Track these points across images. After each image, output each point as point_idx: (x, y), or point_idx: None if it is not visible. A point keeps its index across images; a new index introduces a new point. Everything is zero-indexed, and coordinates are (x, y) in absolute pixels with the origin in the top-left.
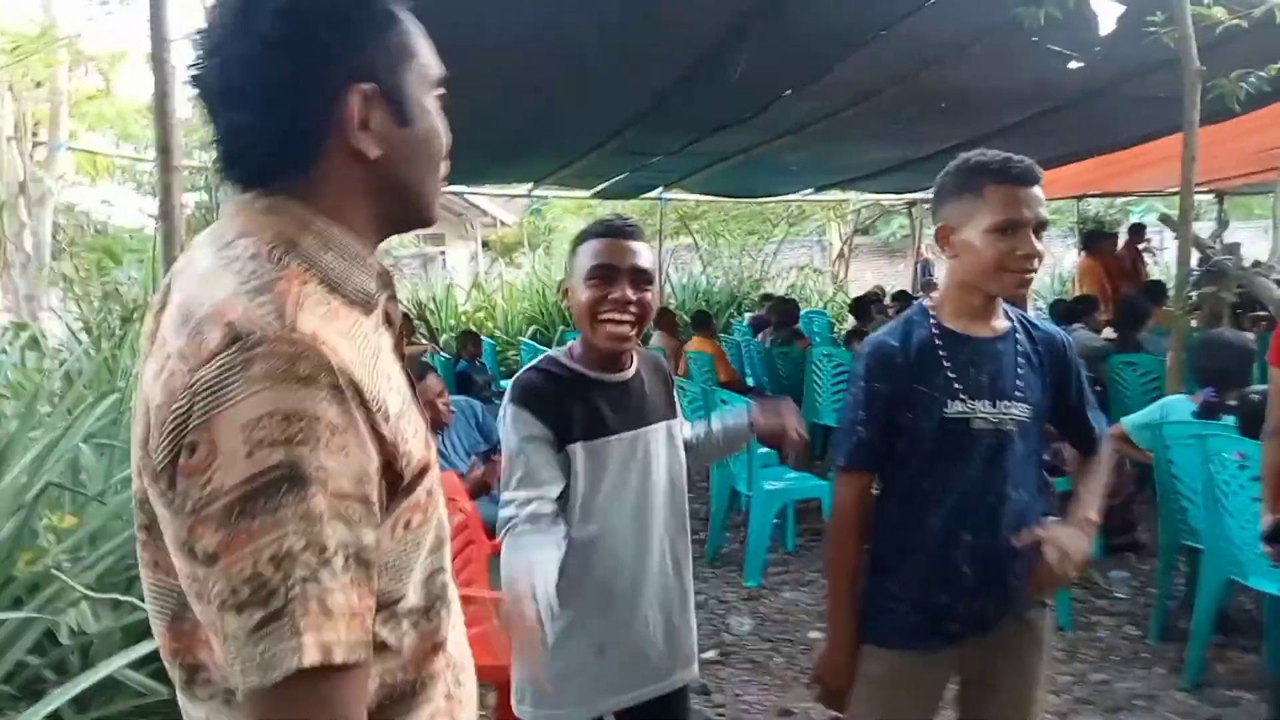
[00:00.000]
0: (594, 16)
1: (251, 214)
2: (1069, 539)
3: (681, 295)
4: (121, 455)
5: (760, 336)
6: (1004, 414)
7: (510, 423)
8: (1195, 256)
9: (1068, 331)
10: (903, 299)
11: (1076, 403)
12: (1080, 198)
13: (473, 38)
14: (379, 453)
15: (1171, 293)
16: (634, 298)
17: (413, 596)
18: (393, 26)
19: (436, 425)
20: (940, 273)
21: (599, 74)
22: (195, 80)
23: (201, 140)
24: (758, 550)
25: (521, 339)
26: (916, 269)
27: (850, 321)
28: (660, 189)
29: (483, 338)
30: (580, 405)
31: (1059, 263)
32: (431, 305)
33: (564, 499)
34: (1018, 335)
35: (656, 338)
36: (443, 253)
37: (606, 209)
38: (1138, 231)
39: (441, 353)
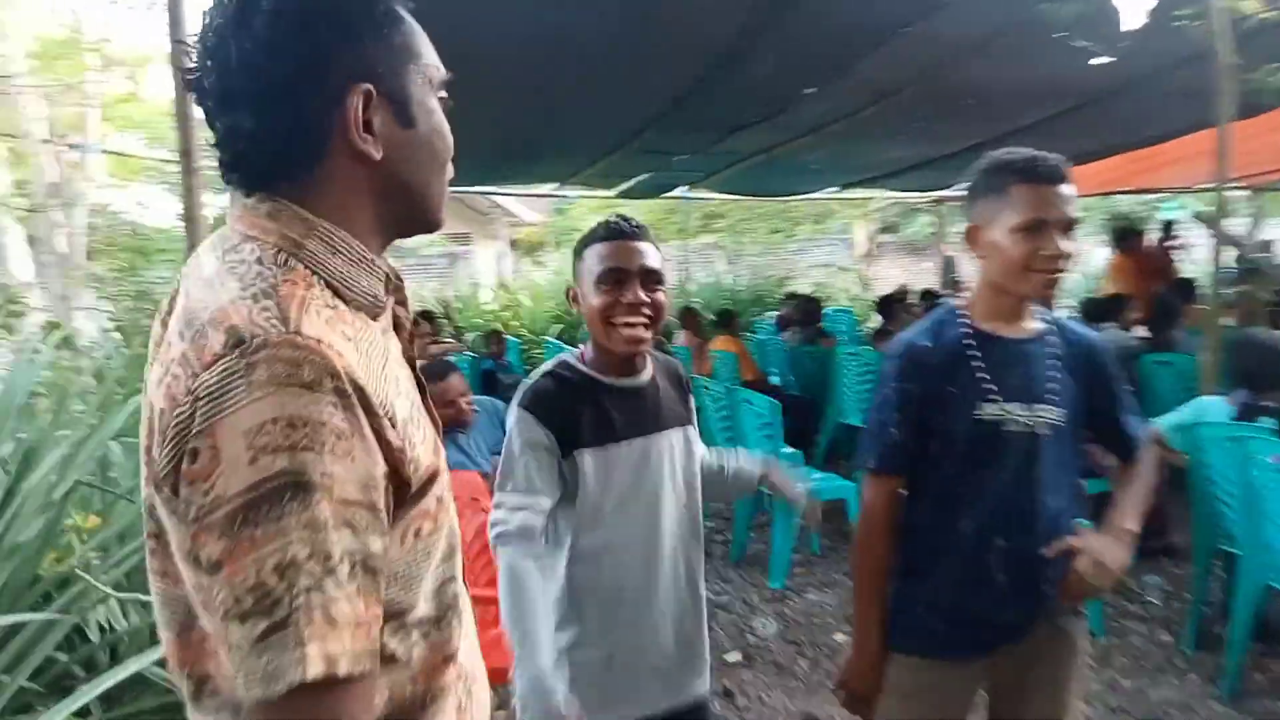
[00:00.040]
0: (614, 16)
1: (256, 218)
2: (1104, 548)
3: (706, 294)
4: None
5: (785, 335)
6: (1037, 417)
7: (515, 426)
8: (1230, 254)
9: (1098, 330)
10: (929, 298)
11: (1113, 407)
12: (1109, 195)
13: (494, 39)
14: (385, 459)
15: (1205, 291)
16: (646, 299)
17: (423, 606)
18: (395, 27)
19: (460, 425)
20: (964, 270)
21: (620, 74)
22: (194, 84)
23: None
24: (782, 551)
25: (546, 338)
26: (942, 266)
27: (876, 320)
28: (683, 188)
29: (508, 337)
30: (591, 411)
31: (1088, 261)
32: (457, 304)
33: (571, 506)
34: (1051, 337)
35: (681, 336)
36: (469, 252)
37: (630, 208)
38: (1168, 229)
39: (467, 352)
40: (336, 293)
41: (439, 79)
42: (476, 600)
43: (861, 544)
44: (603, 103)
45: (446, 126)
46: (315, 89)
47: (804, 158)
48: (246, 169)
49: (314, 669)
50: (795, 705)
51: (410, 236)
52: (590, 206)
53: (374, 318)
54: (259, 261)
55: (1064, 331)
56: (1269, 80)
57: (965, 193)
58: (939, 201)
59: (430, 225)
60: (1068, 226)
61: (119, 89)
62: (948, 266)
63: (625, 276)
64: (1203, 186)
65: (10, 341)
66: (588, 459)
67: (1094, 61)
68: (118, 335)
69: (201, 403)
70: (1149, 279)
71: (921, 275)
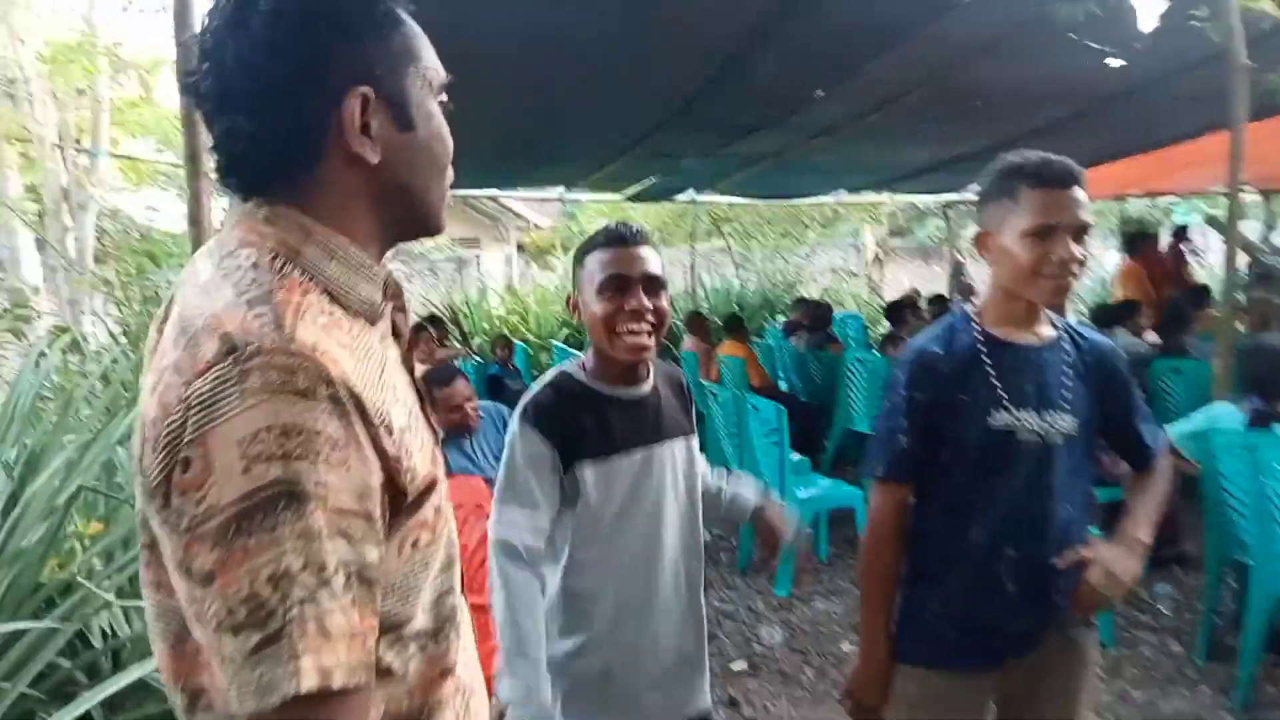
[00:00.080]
0: (622, 18)
1: (253, 223)
2: (1116, 559)
3: (714, 298)
4: None
5: (793, 340)
6: (1050, 425)
7: (516, 440)
8: (1243, 259)
9: (1109, 335)
10: (939, 303)
11: (1127, 415)
12: (1121, 198)
13: (503, 42)
14: (381, 468)
15: (1218, 296)
16: (650, 306)
17: (421, 619)
18: (394, 29)
19: (465, 430)
20: (974, 274)
21: (628, 76)
22: (190, 86)
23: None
24: (789, 559)
25: (554, 342)
26: (951, 271)
27: (885, 325)
28: (691, 192)
29: (515, 341)
30: (592, 422)
31: (1099, 265)
32: (465, 308)
33: (570, 516)
34: (1064, 344)
35: (688, 341)
36: (477, 256)
37: (639, 212)
38: (1181, 233)
39: (474, 356)
40: (334, 299)
41: (439, 82)
42: (480, 609)
43: (869, 552)
44: (611, 105)
45: (446, 130)
46: (313, 91)
47: (813, 161)
48: (243, 173)
49: (308, 681)
50: (801, 714)
51: (410, 241)
52: (599, 210)
53: (372, 324)
54: (255, 267)
55: (1077, 338)
56: None
57: (977, 197)
58: (949, 205)
59: (430, 230)
60: (1079, 231)
61: (130, 94)
62: (957, 271)
63: (628, 283)
64: (1216, 190)
65: (18, 346)
66: (589, 471)
67: (1110, 63)
68: (125, 339)
69: (194, 411)
70: (1161, 284)
71: (931, 280)
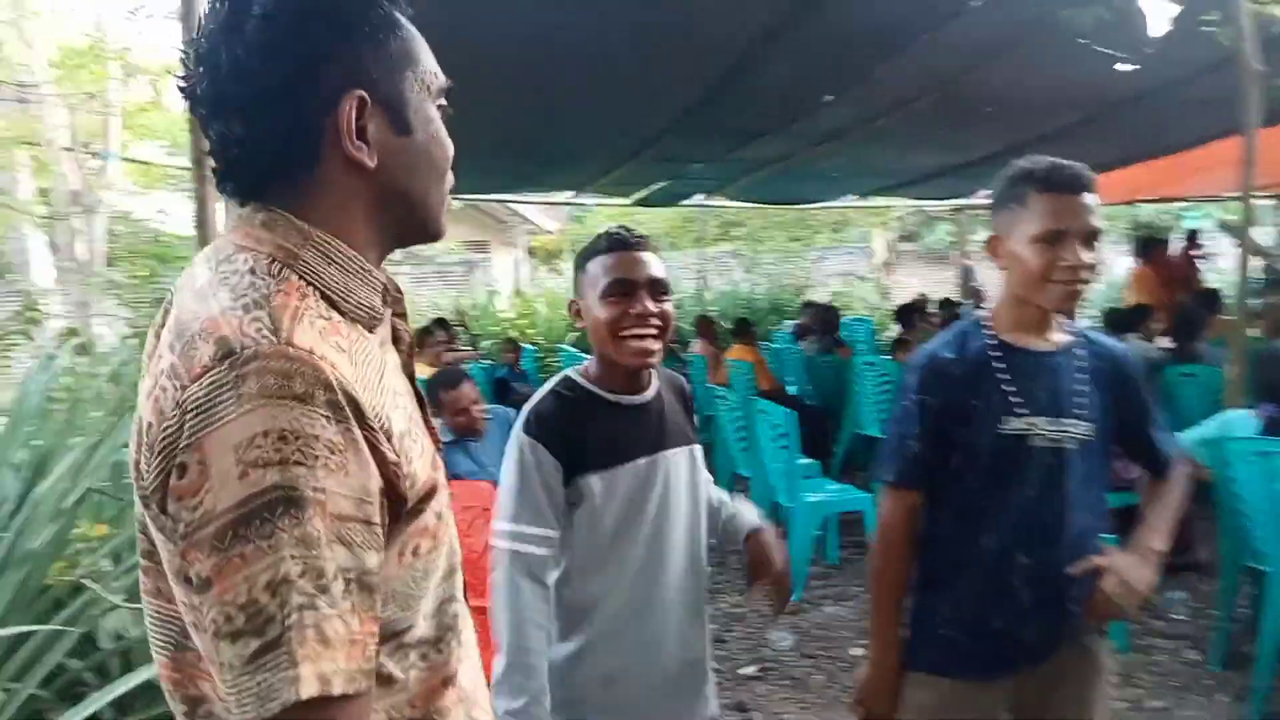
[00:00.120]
0: (631, 23)
1: (250, 228)
2: (1131, 568)
3: (723, 303)
4: None
5: (802, 344)
6: (1064, 431)
7: (520, 452)
8: (1256, 264)
9: (1121, 341)
10: (948, 307)
11: (1143, 422)
12: (1132, 203)
13: (511, 47)
14: (380, 473)
15: (1231, 301)
16: (655, 310)
17: (422, 627)
18: (391, 32)
19: (472, 433)
20: (984, 279)
21: (637, 81)
22: (186, 91)
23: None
24: (798, 563)
25: (562, 345)
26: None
27: (894, 330)
28: (700, 196)
29: (524, 345)
30: (596, 430)
31: (1111, 270)
32: (474, 312)
33: (574, 524)
34: (1078, 349)
35: (697, 345)
36: (486, 259)
37: (647, 217)
38: (1193, 238)
39: (482, 359)
40: (332, 304)
41: (438, 86)
42: (489, 612)
43: (879, 558)
44: (619, 110)
45: (445, 134)
46: (307, 95)
47: (822, 165)
48: (240, 177)
49: (307, 689)
50: None
51: (410, 246)
52: (607, 215)
53: (371, 329)
54: (252, 272)
55: (1091, 343)
56: None
57: (989, 202)
58: (959, 210)
59: (430, 235)
60: (1089, 237)
61: (140, 97)
62: (966, 276)
63: (633, 288)
64: (1228, 195)
65: (29, 347)
66: (593, 480)
67: (1119, 68)
68: (135, 341)
69: (189, 416)
70: (1173, 289)
71: (941, 284)
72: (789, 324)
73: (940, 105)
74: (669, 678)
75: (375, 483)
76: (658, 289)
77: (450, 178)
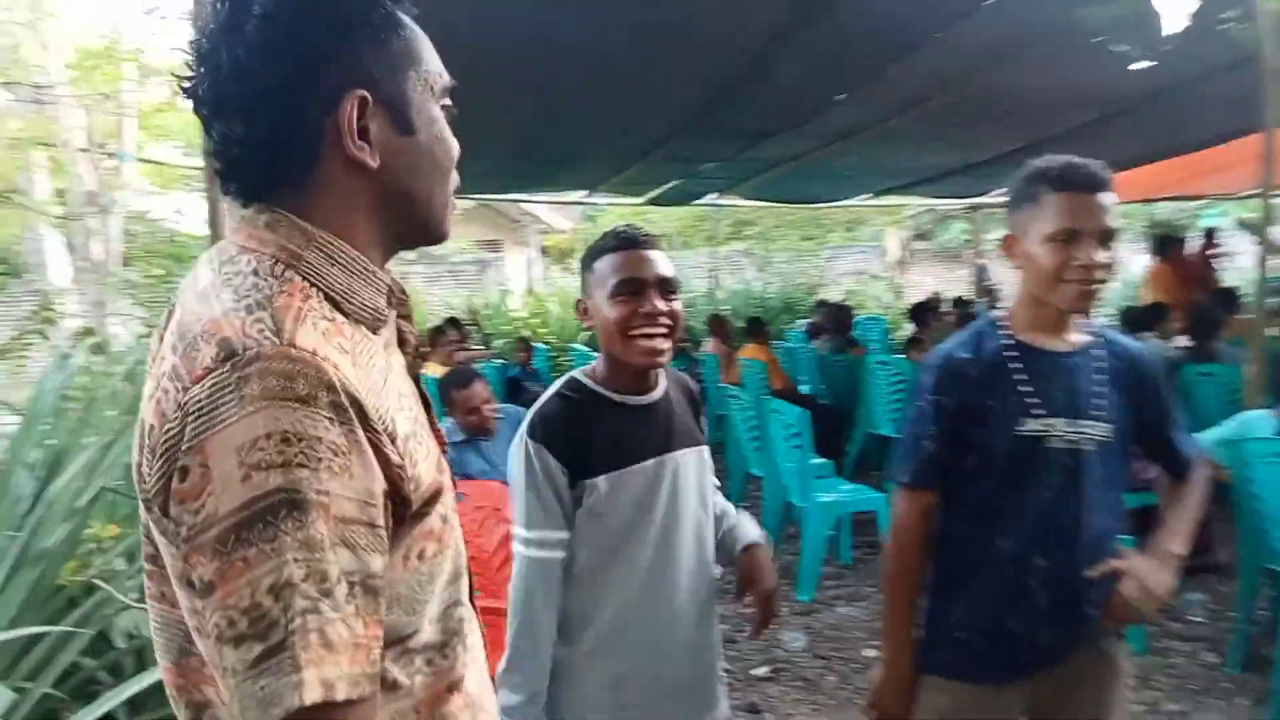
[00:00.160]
0: (643, 23)
1: (253, 229)
2: (1149, 572)
3: (735, 302)
4: None
5: (815, 343)
6: (1082, 432)
7: (525, 457)
8: (1275, 262)
9: (1138, 340)
10: (962, 305)
11: (1164, 424)
12: (1149, 201)
13: (524, 47)
14: (384, 475)
15: (1249, 300)
16: (664, 308)
17: (427, 631)
18: (394, 31)
19: (483, 432)
20: (998, 277)
21: (649, 80)
22: (188, 91)
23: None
24: (811, 564)
25: (574, 345)
26: (975, 274)
27: (908, 329)
28: (713, 195)
29: (536, 344)
30: (603, 432)
31: (1127, 269)
32: (486, 311)
33: (582, 526)
34: (1096, 350)
35: (709, 344)
36: (499, 259)
37: (660, 216)
38: (1210, 236)
39: (495, 359)
40: (336, 305)
41: (442, 86)
42: (501, 613)
43: (893, 559)
44: (632, 110)
45: (449, 134)
46: (308, 94)
47: (834, 165)
48: (242, 178)
49: (311, 694)
50: None
51: (415, 247)
52: (620, 214)
53: (375, 331)
54: (255, 273)
55: (1110, 344)
56: None
57: (1005, 200)
58: (973, 208)
59: (434, 236)
60: (1104, 236)
61: (156, 98)
62: (980, 274)
63: (643, 286)
64: (1247, 193)
65: (45, 347)
66: (600, 483)
67: (1134, 66)
68: (150, 340)
69: (191, 418)
70: (1190, 288)
71: (955, 283)
72: (802, 323)
73: (954, 104)
74: (678, 679)
75: (379, 485)
76: (667, 287)
77: (455, 178)
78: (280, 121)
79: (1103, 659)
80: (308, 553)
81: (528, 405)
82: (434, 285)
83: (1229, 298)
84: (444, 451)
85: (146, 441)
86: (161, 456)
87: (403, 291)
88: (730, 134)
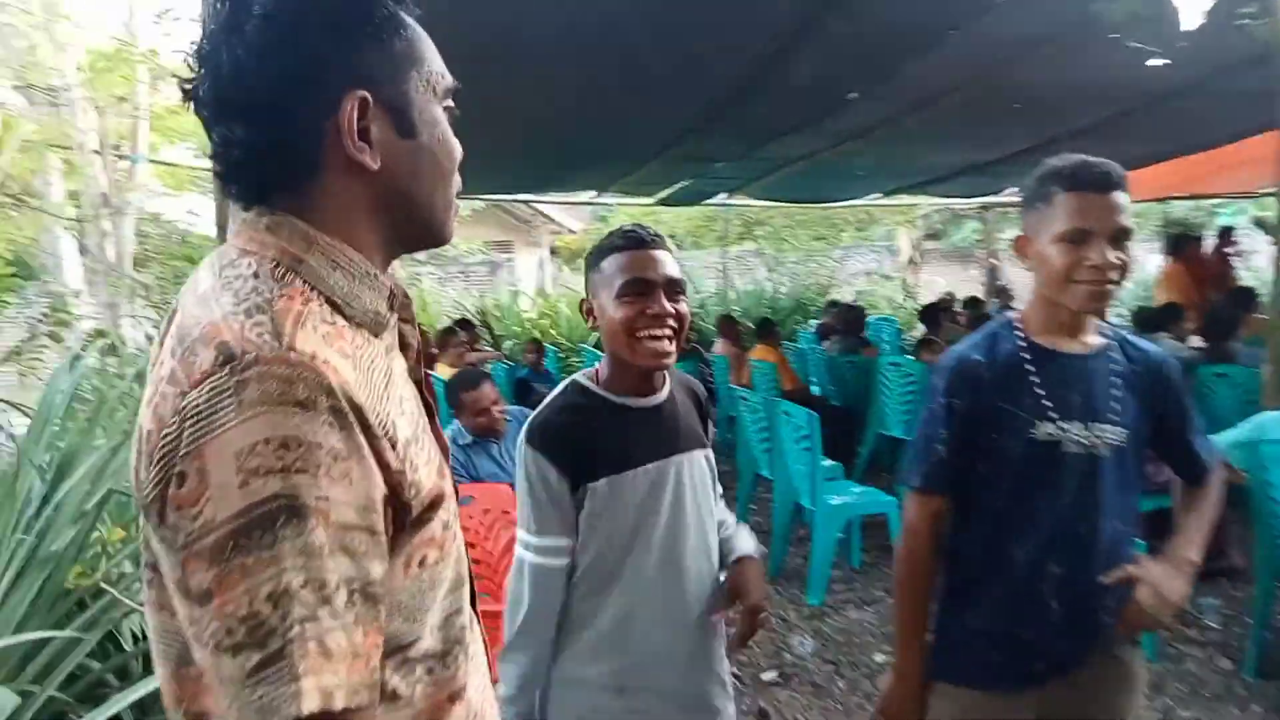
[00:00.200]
0: (653, 21)
1: (254, 232)
2: (1165, 579)
3: (746, 302)
4: None
5: (826, 344)
6: (1097, 437)
7: (527, 466)
8: None
9: (1151, 341)
10: (974, 306)
11: (1182, 429)
12: (1164, 200)
13: (535, 47)
14: (385, 481)
15: (1265, 300)
16: (671, 310)
17: (428, 640)
18: (395, 32)
19: (492, 434)
20: (1010, 277)
21: (660, 79)
22: (188, 94)
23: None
24: (821, 567)
25: (585, 346)
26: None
27: (920, 329)
28: (724, 195)
29: (546, 345)
30: (606, 437)
31: (1142, 268)
32: (496, 312)
33: (584, 532)
34: (1113, 353)
35: (719, 345)
36: (510, 259)
37: (671, 215)
38: (1226, 235)
39: (505, 359)
40: (337, 309)
41: (445, 88)
42: None
43: (904, 565)
44: (642, 109)
45: (451, 136)
46: (308, 96)
47: (847, 164)
48: (242, 180)
49: (309, 703)
50: None
51: (417, 250)
52: (631, 214)
53: (377, 335)
54: (255, 276)
55: (1127, 347)
56: None
57: (1018, 200)
58: (986, 207)
59: (436, 239)
60: (1116, 236)
61: (169, 100)
62: (992, 275)
63: (650, 287)
64: (1263, 191)
65: (58, 349)
66: (601, 487)
67: (1151, 63)
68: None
69: (189, 423)
70: (1205, 287)
71: (967, 283)
72: (813, 323)
73: (966, 102)
74: (684, 685)
75: (379, 491)
76: (674, 289)
77: (457, 180)
78: (280, 123)
79: (1117, 666)
80: (306, 560)
81: (537, 406)
82: (445, 286)
83: (1245, 297)
84: (447, 458)
85: (144, 447)
86: (159, 462)
87: (405, 295)
88: (741, 133)
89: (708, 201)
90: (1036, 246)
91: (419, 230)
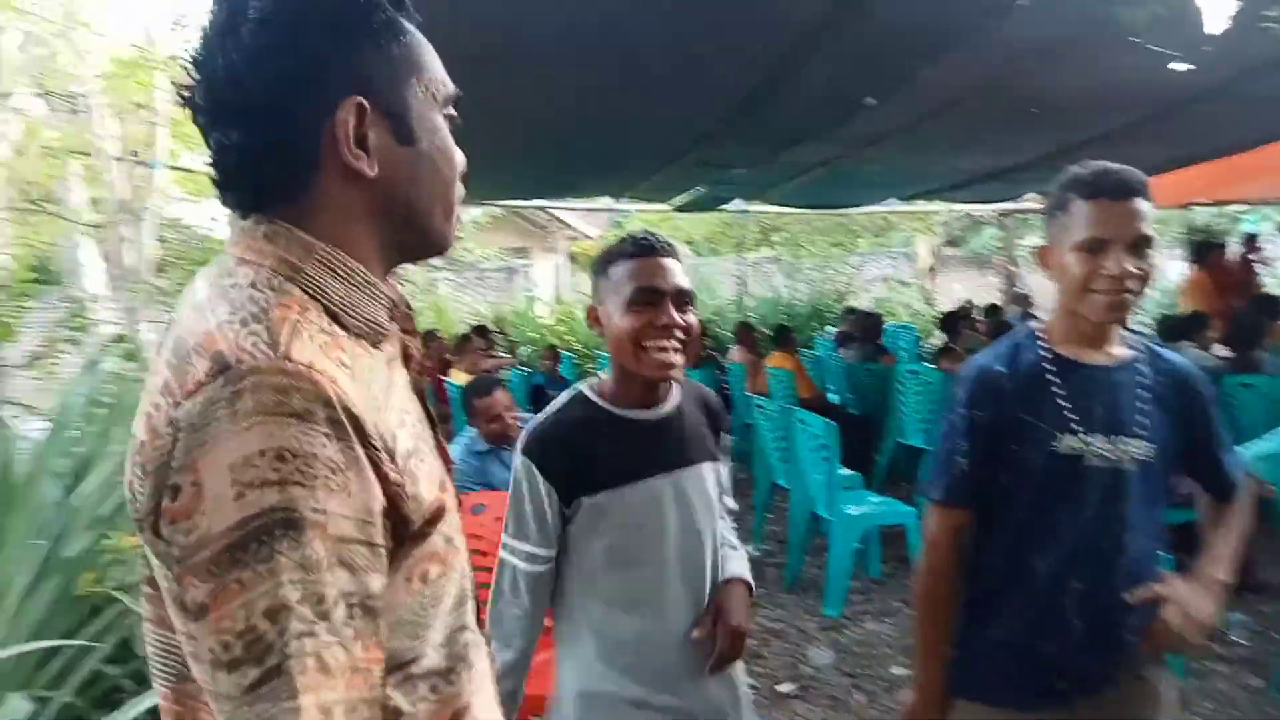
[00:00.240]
0: (669, 27)
1: (252, 241)
2: (1193, 599)
3: (762, 309)
4: None
5: (843, 352)
6: (1122, 450)
7: (516, 471)
8: None
9: (1175, 350)
10: (994, 313)
11: (1209, 444)
12: (1187, 207)
13: (551, 53)
14: (383, 493)
15: None
16: (680, 321)
17: (431, 657)
18: (394, 38)
19: (506, 440)
20: (1030, 284)
21: (675, 85)
22: (186, 100)
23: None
24: (838, 578)
25: (601, 352)
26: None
27: (938, 337)
28: (740, 201)
29: (562, 351)
30: (603, 449)
31: (1165, 276)
32: (512, 319)
33: (579, 550)
34: (1140, 365)
35: (736, 352)
36: (527, 265)
37: (687, 221)
38: (1251, 241)
39: (519, 366)
40: (335, 318)
41: (445, 95)
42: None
43: (924, 580)
44: (659, 114)
45: (451, 144)
46: (303, 99)
47: (864, 170)
48: (239, 188)
49: None
50: None
51: (417, 260)
52: (647, 220)
53: (376, 345)
54: (252, 285)
55: (1156, 359)
56: None
57: (1039, 206)
58: (1005, 214)
59: (436, 248)
60: (1135, 244)
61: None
62: (1010, 282)
63: (659, 297)
64: None
65: (78, 354)
66: (599, 501)
67: (1174, 66)
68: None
69: (183, 434)
70: (1230, 295)
71: (987, 290)
72: (830, 331)
73: (986, 107)
74: (703, 698)
75: (378, 503)
76: (683, 299)
77: (460, 188)
78: (276, 128)
79: (1144, 687)
80: (304, 574)
81: None
82: (462, 292)
83: (1271, 305)
84: (450, 472)
85: (138, 458)
86: (152, 474)
87: (407, 305)
88: (758, 139)
89: (724, 207)
90: (1057, 256)
91: (418, 238)
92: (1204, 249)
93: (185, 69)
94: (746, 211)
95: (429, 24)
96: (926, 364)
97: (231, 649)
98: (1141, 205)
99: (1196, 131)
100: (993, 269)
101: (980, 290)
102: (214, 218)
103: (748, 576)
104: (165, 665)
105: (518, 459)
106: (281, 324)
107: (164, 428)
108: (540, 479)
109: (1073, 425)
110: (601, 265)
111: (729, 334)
